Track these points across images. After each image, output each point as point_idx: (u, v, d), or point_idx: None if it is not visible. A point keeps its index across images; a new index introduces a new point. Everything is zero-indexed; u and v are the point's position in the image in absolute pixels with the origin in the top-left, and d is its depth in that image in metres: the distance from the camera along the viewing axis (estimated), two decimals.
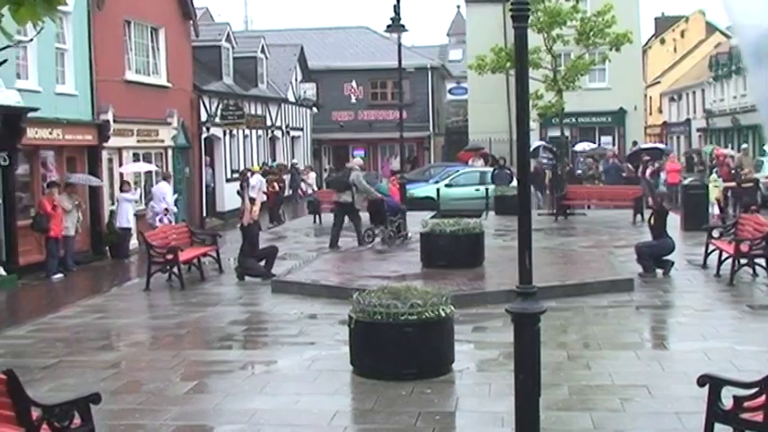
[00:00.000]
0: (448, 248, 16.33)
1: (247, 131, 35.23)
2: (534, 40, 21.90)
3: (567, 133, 34.76)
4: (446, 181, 32.80)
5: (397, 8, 25.35)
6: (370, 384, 9.53)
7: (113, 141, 22.93)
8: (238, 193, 29.49)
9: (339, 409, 8.82)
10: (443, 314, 9.84)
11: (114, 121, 22.73)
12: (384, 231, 21.16)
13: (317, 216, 28.42)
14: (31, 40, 5.62)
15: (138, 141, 24.88)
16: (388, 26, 26.09)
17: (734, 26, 2.49)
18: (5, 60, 4.81)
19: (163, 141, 26.38)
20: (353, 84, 51.31)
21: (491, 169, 33.18)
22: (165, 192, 22.85)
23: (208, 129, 30.79)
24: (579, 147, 41.26)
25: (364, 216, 21.82)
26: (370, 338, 9.80)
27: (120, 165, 23.92)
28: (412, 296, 9.89)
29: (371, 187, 22.21)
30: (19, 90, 18.45)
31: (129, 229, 22.17)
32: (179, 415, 8.78)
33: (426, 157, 51.71)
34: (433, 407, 8.77)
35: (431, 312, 9.74)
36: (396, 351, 9.63)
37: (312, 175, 40.59)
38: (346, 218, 21.73)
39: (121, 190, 22.42)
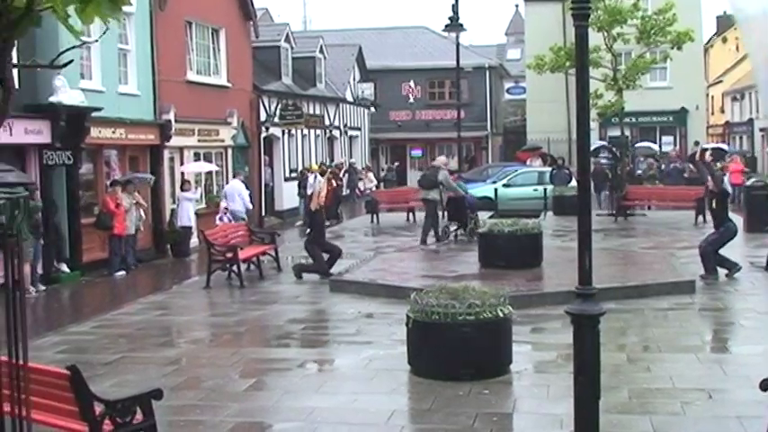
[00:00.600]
0: (506, 249, 16.25)
1: (306, 131, 35.42)
2: (594, 38, 21.69)
3: (627, 133, 34.35)
4: (504, 181, 32.61)
5: (455, 8, 25.37)
6: (428, 384, 9.53)
7: (175, 141, 23.24)
8: (300, 194, 29.75)
9: (396, 409, 8.84)
10: (501, 315, 9.81)
11: (176, 121, 23.04)
12: (464, 228, 21.53)
13: (375, 216, 28.48)
14: (97, 40, 5.73)
15: (199, 141, 25.18)
16: (447, 26, 26.14)
17: (745, 42, 2.44)
18: (71, 61, 4.88)
19: (223, 141, 26.67)
20: (411, 83, 51.30)
21: (549, 169, 32.94)
22: (239, 189, 23.20)
23: (267, 128, 31.04)
24: (639, 146, 40.76)
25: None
26: (428, 338, 9.80)
27: (182, 164, 24.23)
28: (470, 296, 9.86)
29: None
30: (83, 90, 18.77)
31: (190, 228, 22.42)
32: (238, 411, 8.87)
33: (484, 156, 51.53)
34: (490, 408, 8.74)
35: (489, 313, 9.71)
36: (453, 351, 9.61)
37: (371, 175, 40.69)
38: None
39: (182, 189, 22.69)
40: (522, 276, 15.39)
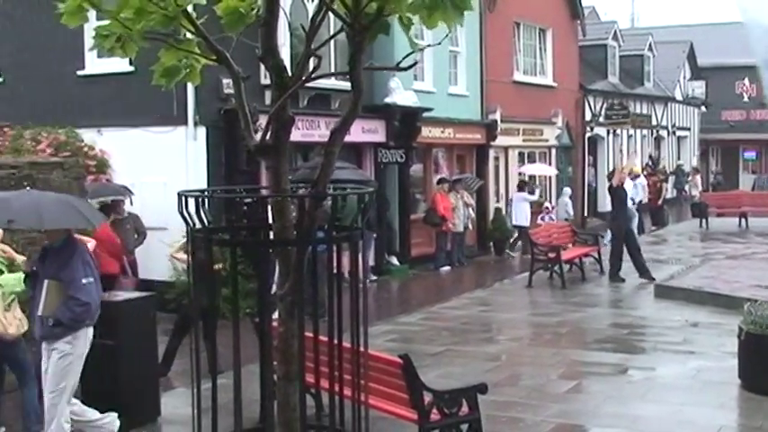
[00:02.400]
0: None
1: (631, 131, 34.61)
2: None
3: None
4: None
5: None
6: (760, 401, 9.03)
7: (500, 140, 23.57)
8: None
9: (725, 424, 8.46)
10: None
11: (501, 121, 23.35)
12: None
13: (704, 220, 27.30)
14: (439, 43, 5.93)
15: (524, 140, 25.37)
16: None
17: (746, 27, 2.10)
18: (415, 63, 5.14)
19: (547, 141, 26.68)
20: (746, 81, 48.47)
21: None
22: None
23: (592, 128, 30.68)
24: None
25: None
26: (763, 352, 9.26)
27: (506, 164, 24.53)
28: None
29: None
30: (415, 91, 19.53)
31: (526, 228, 22.32)
32: (559, 413, 8.87)
33: None
34: None
35: None
36: None
37: (698, 178, 39.00)
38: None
39: (520, 189, 22.75)
40: None
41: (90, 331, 7.40)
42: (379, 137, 18.62)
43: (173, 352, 10.62)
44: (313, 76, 5.07)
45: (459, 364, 10.92)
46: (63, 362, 7.19)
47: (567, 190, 25.94)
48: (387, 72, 18.28)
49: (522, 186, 22.79)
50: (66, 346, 7.18)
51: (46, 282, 7.24)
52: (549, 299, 15.90)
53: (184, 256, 11.05)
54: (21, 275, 8.00)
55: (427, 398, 7.01)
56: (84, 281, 7.15)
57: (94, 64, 15.57)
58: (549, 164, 26.91)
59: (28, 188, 8.92)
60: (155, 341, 8.94)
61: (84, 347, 7.33)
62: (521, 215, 22.10)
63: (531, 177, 24.66)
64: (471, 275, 19.76)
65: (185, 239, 11.04)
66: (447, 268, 19.81)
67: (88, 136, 15.42)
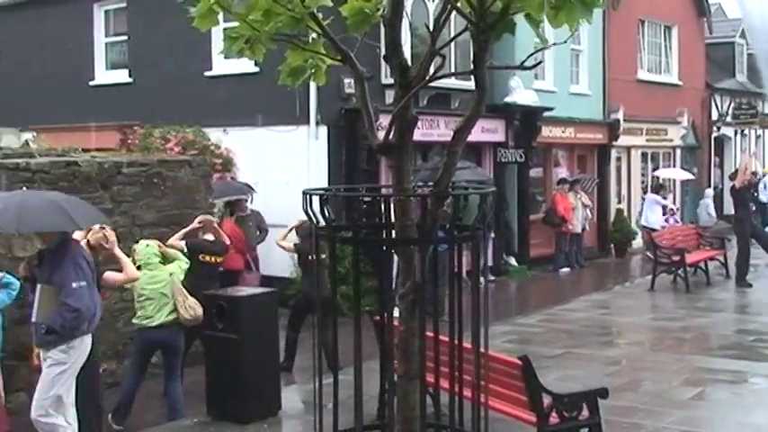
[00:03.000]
0: None
1: (760, 131, 33.49)
2: None
3: None
4: None
5: None
6: None
7: (622, 140, 23.15)
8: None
9: None
10: None
11: (624, 120, 22.91)
12: None
13: None
14: (565, 41, 5.83)
15: (647, 140, 24.86)
16: None
17: (749, 31, 1.89)
18: (540, 62, 5.09)
19: (671, 141, 26.06)
20: None
21: None
22: None
23: (718, 128, 29.82)
24: None
25: None
26: None
27: (629, 164, 24.07)
28: None
29: None
30: (536, 90, 19.34)
31: (656, 230, 21.75)
32: (682, 420, 8.63)
33: None
34: None
35: None
36: None
37: None
38: None
39: (656, 192, 22.21)
40: None
41: (87, 340, 7.05)
42: (499, 136, 18.53)
43: (293, 345, 10.83)
44: (436, 75, 5.08)
45: (579, 367, 10.77)
46: (54, 370, 6.86)
47: (710, 191, 25.43)
48: (507, 71, 18.14)
49: (656, 189, 22.28)
50: (60, 355, 6.86)
51: (39, 286, 6.97)
52: (672, 303, 15.52)
53: (287, 244, 11.37)
54: (177, 266, 8.35)
55: (546, 400, 6.93)
56: (74, 285, 6.77)
57: (221, 65, 15.98)
58: (674, 165, 26.29)
59: (24, 188, 8.70)
60: (276, 336, 9.11)
61: (80, 359, 6.98)
62: (652, 217, 21.48)
63: (654, 179, 24.13)
64: (591, 277, 19.46)
65: (290, 228, 11.34)
66: (566, 270, 19.57)
67: (214, 135, 15.80)
